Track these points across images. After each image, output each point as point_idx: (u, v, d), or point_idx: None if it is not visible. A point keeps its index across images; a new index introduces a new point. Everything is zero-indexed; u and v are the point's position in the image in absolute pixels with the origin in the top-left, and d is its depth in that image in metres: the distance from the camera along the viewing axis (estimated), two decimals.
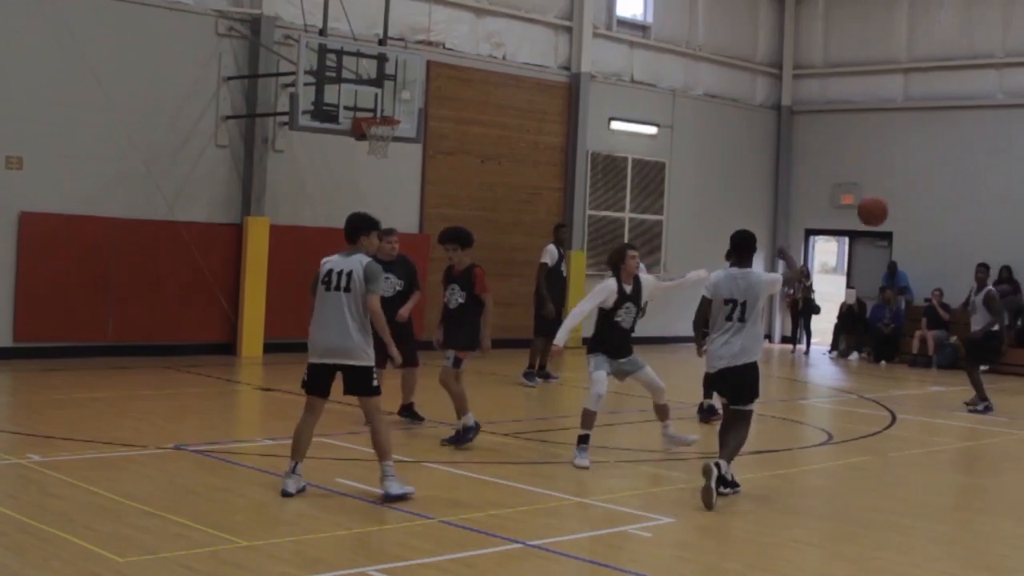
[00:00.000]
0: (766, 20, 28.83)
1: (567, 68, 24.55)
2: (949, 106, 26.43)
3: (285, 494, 9.39)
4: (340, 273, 9.43)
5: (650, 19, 26.39)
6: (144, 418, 13.10)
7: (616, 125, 25.57)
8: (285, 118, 18.77)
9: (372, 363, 9.45)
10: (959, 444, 14.72)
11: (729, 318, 10.42)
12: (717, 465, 9.84)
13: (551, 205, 24.34)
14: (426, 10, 21.97)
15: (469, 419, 12.17)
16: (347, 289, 9.38)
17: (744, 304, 10.40)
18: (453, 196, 22.61)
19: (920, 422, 16.31)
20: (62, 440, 11.32)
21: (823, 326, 27.72)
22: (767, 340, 29.00)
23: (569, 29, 24.51)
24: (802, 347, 26.80)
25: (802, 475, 12.20)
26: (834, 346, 26.73)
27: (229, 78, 19.55)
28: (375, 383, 9.50)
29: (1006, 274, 24.90)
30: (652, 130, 26.31)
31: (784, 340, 28.58)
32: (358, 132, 18.14)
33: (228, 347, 19.51)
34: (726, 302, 10.44)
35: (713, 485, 9.68)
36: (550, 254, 18.53)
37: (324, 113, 17.94)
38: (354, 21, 19.34)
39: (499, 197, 23.34)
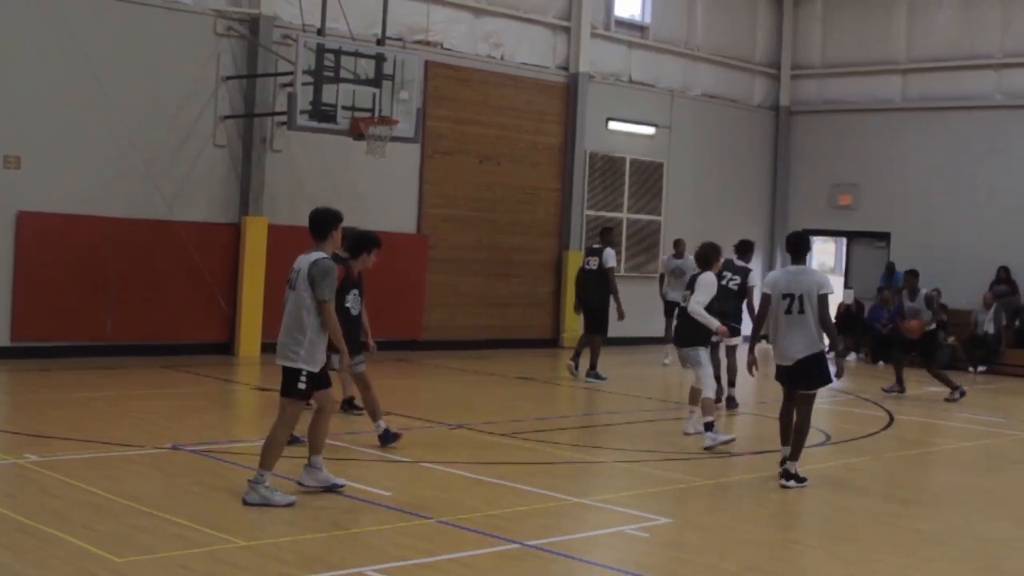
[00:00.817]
0: (764, 21, 28.84)
1: (565, 68, 24.55)
2: (947, 107, 26.44)
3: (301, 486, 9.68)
4: (294, 271, 9.47)
5: (648, 19, 26.40)
6: (142, 418, 13.09)
7: (614, 125, 25.57)
8: (283, 118, 18.76)
9: (299, 365, 9.32)
10: (956, 445, 14.73)
11: (789, 311, 11.22)
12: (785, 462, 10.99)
13: (549, 205, 24.35)
14: (424, 10, 21.97)
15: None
16: (292, 287, 9.44)
17: (802, 298, 11.12)
18: (451, 196, 22.61)
19: (918, 423, 16.32)
20: (60, 440, 11.32)
21: None
22: (765, 340, 28.97)
23: (567, 29, 24.51)
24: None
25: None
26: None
27: (227, 78, 19.55)
28: (300, 386, 9.36)
29: (1004, 274, 24.91)
30: (650, 130, 26.31)
31: None
32: (356, 132, 18.14)
33: (226, 347, 19.51)
34: (784, 296, 11.22)
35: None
36: (613, 258, 18.84)
37: (322, 113, 17.94)
38: (352, 21, 19.34)
39: (497, 197, 23.34)
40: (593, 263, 18.75)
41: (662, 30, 26.56)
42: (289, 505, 9.13)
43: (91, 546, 7.69)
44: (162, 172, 18.82)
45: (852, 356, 25.95)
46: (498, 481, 10.54)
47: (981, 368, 23.75)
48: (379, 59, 18.47)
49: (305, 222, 9.25)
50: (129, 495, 9.17)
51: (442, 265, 22.23)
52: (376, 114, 18.19)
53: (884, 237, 27.39)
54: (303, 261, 9.40)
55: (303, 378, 9.34)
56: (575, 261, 24.39)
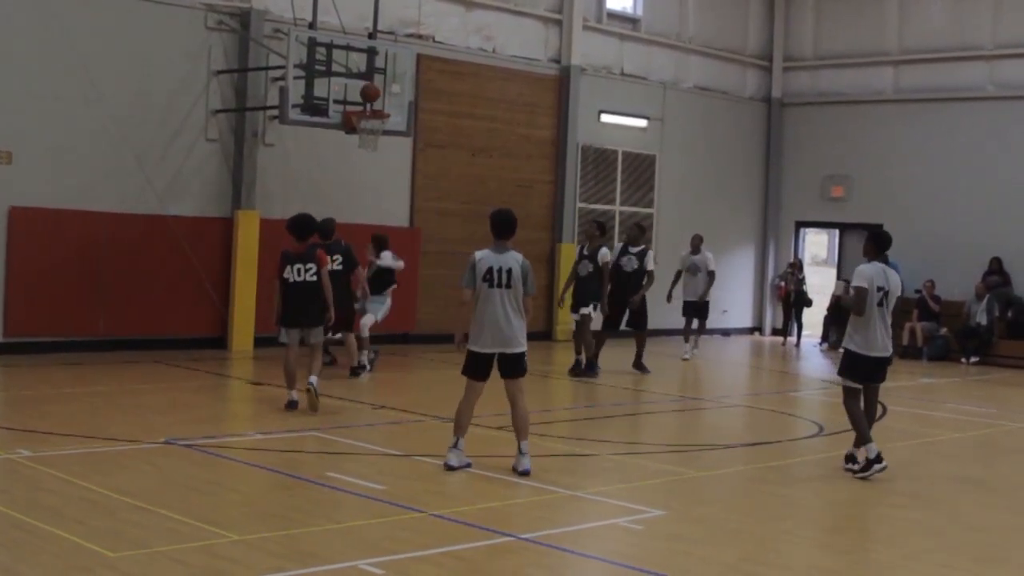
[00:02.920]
0: (756, 13, 28.82)
1: (557, 61, 24.53)
2: (939, 98, 26.44)
3: (448, 467, 10.47)
4: (500, 271, 10.58)
5: (640, 12, 26.37)
6: (135, 412, 13.08)
7: (606, 118, 25.55)
8: (275, 112, 18.70)
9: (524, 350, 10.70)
10: (950, 435, 14.75)
11: (880, 304, 11.54)
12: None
13: (542, 198, 24.33)
14: (416, 3, 21.92)
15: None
16: (508, 286, 10.58)
17: (888, 294, 11.59)
18: (444, 189, 22.59)
19: (911, 414, 16.34)
20: (53, 435, 11.30)
21: (814, 318, 27.75)
22: (757, 333, 29.06)
23: (559, 22, 24.48)
24: (793, 339, 26.82)
25: (793, 467, 12.21)
26: (825, 338, 26.75)
27: (219, 72, 19.50)
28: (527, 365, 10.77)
29: (996, 265, 24.95)
30: (642, 123, 26.30)
31: (775, 332, 28.60)
32: (348, 126, 18.08)
33: (219, 341, 19.48)
34: (879, 290, 11.54)
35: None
36: (652, 260, 19.50)
37: (314, 107, 17.90)
38: (344, 14, 19.30)
39: (490, 190, 23.30)
40: (632, 264, 19.11)
41: (654, 22, 26.54)
42: (467, 466, 10.49)
43: (85, 541, 7.68)
44: (154, 166, 18.78)
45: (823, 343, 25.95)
46: (491, 474, 10.54)
47: (974, 359, 23.79)
48: (371, 52, 18.43)
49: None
50: (123, 490, 9.16)
51: (435, 258, 22.20)
52: (368, 108, 18.14)
53: (876, 228, 27.37)
54: (507, 260, 10.62)
55: (526, 359, 10.78)
56: (567, 254, 24.37)
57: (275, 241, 19.07)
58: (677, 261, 22.48)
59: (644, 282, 19.19)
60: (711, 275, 21.86)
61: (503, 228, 10.75)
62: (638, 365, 19.32)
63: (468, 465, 10.56)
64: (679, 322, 22.64)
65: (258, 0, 19.58)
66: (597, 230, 18.90)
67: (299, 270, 13.77)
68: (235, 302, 19.42)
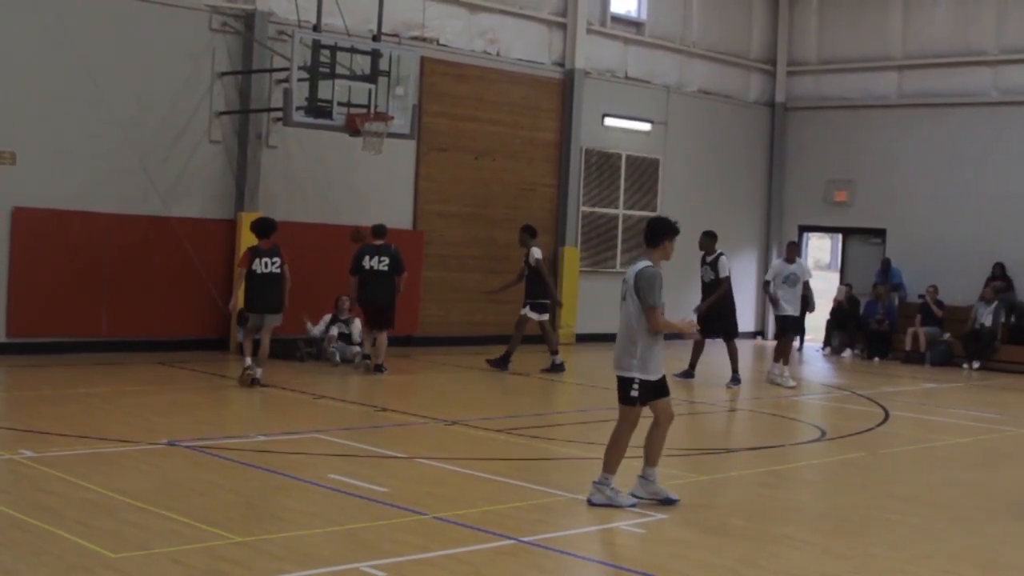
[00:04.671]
0: (760, 17, 28.82)
1: (561, 64, 24.53)
2: (943, 103, 26.43)
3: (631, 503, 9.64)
4: (625, 283, 9.71)
5: (644, 15, 26.38)
6: (137, 414, 13.08)
7: (610, 121, 25.56)
8: (279, 114, 18.71)
9: (632, 374, 9.56)
10: (952, 440, 14.73)
11: None
12: None
13: (545, 201, 24.33)
14: (420, 6, 21.94)
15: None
16: (623, 298, 9.69)
17: None
18: (447, 192, 22.59)
19: (913, 419, 16.33)
20: (55, 436, 11.30)
21: (817, 323, 27.72)
22: (760, 337, 29.04)
23: (563, 25, 24.49)
24: (796, 343, 26.77)
25: (795, 471, 12.21)
26: (827, 343, 26.74)
27: (223, 74, 19.52)
28: (632, 394, 9.59)
29: (999, 271, 24.92)
30: (646, 127, 26.30)
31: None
32: (352, 128, 18.10)
33: (221, 343, 19.48)
34: None
35: None
36: (727, 267, 18.95)
37: (318, 109, 17.91)
38: (348, 17, 19.31)
39: (493, 193, 23.33)
40: (708, 274, 18.94)
41: (658, 26, 26.54)
42: (632, 507, 9.42)
43: (86, 542, 7.68)
44: (157, 168, 18.79)
45: (847, 352, 25.95)
46: (494, 477, 10.54)
47: (976, 364, 23.75)
48: (375, 55, 18.45)
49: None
50: (124, 491, 9.16)
51: (438, 261, 22.22)
52: (372, 110, 18.15)
53: (880, 233, 27.39)
54: (630, 272, 9.68)
55: (636, 386, 9.53)
56: (571, 257, 24.42)
57: (278, 243, 19.14)
58: (770, 271, 20.37)
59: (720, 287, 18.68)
60: (807, 287, 19.77)
61: (645, 235, 9.89)
62: (733, 379, 18.68)
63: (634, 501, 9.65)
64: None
65: (262, 2, 19.60)
66: (527, 233, 19.20)
67: (266, 263, 15.97)
68: (237, 304, 19.40)
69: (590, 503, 9.47)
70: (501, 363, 18.91)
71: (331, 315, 19.07)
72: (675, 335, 10.08)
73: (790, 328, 19.58)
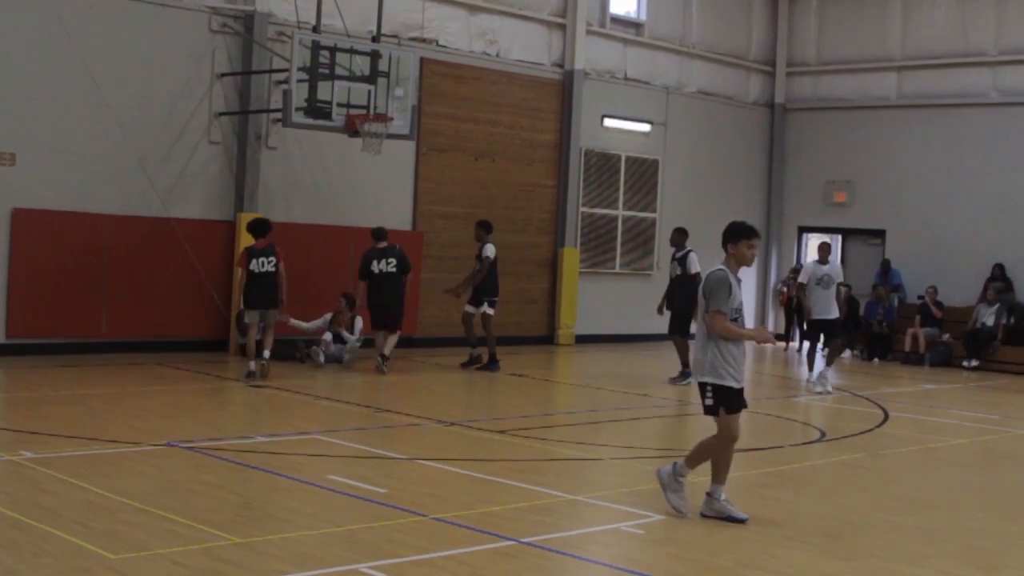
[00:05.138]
0: (759, 17, 28.83)
1: (560, 65, 24.54)
2: (943, 104, 26.45)
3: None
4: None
5: (644, 16, 26.39)
6: (137, 415, 13.09)
7: (609, 122, 25.57)
8: (278, 115, 18.73)
9: (704, 379, 9.27)
10: (952, 442, 14.74)
11: None
12: None
13: (544, 202, 24.34)
14: (419, 7, 21.95)
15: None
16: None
17: None
18: (446, 193, 22.60)
19: (913, 420, 16.33)
20: (55, 437, 11.31)
21: None
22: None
23: (563, 26, 24.50)
24: (795, 344, 26.80)
25: (794, 472, 12.21)
26: (826, 343, 26.68)
27: (222, 75, 19.53)
28: (707, 401, 9.31)
29: (998, 272, 24.93)
30: (645, 127, 26.32)
31: (778, 338, 28.57)
32: (351, 129, 18.12)
33: (221, 344, 19.48)
34: None
35: None
36: (696, 263, 18.75)
37: (317, 110, 17.93)
38: (347, 18, 19.32)
39: (492, 194, 23.33)
40: (675, 269, 18.90)
41: (657, 27, 26.55)
42: (742, 521, 9.16)
43: (85, 543, 7.69)
44: (157, 169, 18.80)
45: (847, 353, 25.95)
46: (493, 478, 10.54)
47: (973, 363, 23.73)
48: (374, 56, 18.45)
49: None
50: (124, 492, 9.17)
51: (437, 262, 22.22)
52: (371, 111, 18.16)
53: (879, 234, 27.41)
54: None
55: (709, 392, 9.24)
56: (570, 258, 24.42)
57: (277, 244, 19.16)
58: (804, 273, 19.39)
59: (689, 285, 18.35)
60: (844, 287, 19.07)
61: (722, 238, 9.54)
62: (682, 373, 18.57)
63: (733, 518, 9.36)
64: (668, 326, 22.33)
65: (262, 3, 19.60)
66: (483, 228, 19.26)
67: (262, 262, 16.74)
68: (237, 305, 19.42)
69: (702, 515, 9.28)
70: (491, 366, 18.93)
71: (332, 314, 19.02)
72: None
73: (820, 331, 19.36)
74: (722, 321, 9.10)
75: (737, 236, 9.37)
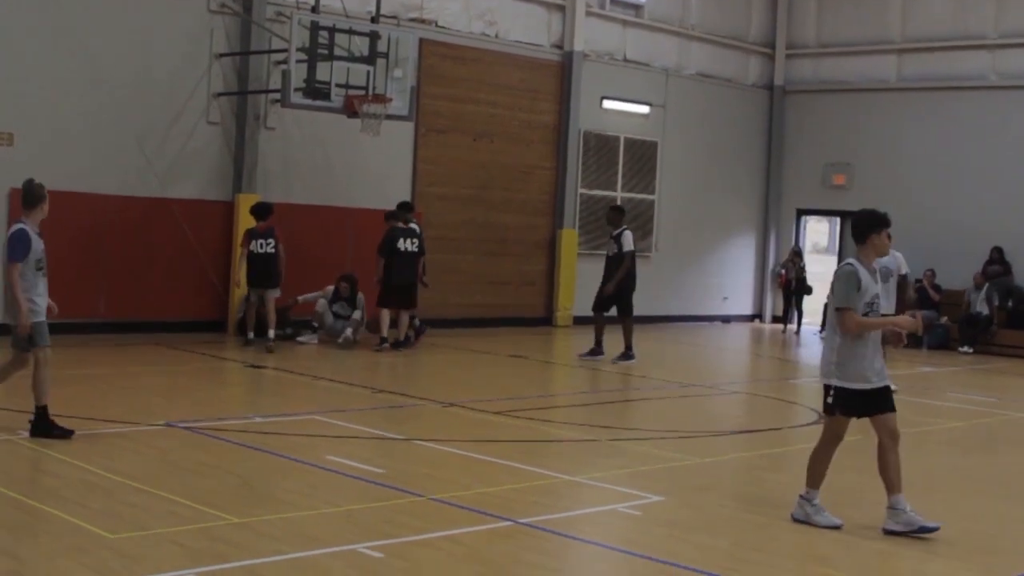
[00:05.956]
0: (759, 0, 28.76)
1: (560, 47, 24.49)
2: (942, 87, 26.41)
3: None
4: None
5: None
6: (135, 395, 13.10)
7: (608, 104, 25.53)
8: (277, 95, 18.66)
9: (830, 380, 8.80)
10: (949, 424, 14.76)
11: None
12: None
13: (543, 184, 24.32)
14: None
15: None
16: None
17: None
18: (445, 174, 22.58)
19: (910, 403, 16.33)
20: (54, 417, 11.30)
21: (814, 306, 27.75)
22: (758, 320, 29.07)
23: (562, 8, 24.44)
24: (793, 327, 26.84)
25: (791, 454, 12.21)
26: (824, 326, 26.70)
27: (221, 55, 19.49)
28: (828, 400, 8.87)
29: (997, 255, 24.93)
30: (644, 109, 26.28)
31: (775, 320, 28.61)
32: (350, 110, 18.09)
33: (219, 324, 19.49)
34: None
35: None
36: (631, 240, 18.70)
37: (316, 91, 17.88)
38: None
39: (491, 175, 23.31)
40: (611, 248, 18.80)
41: (657, 9, 26.49)
42: (835, 527, 8.68)
43: (84, 523, 7.70)
44: (155, 149, 18.77)
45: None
46: (491, 459, 10.55)
47: (967, 349, 23.74)
48: (373, 37, 18.40)
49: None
50: (123, 472, 9.18)
51: (436, 243, 22.17)
52: (370, 92, 18.12)
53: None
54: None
55: (831, 393, 8.81)
56: (569, 240, 24.41)
57: (276, 224, 19.16)
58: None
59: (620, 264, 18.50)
60: (905, 280, 17.60)
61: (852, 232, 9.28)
62: (622, 357, 18.45)
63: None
64: (666, 308, 22.18)
65: None
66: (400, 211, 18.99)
67: (261, 243, 17.69)
68: (235, 285, 19.42)
69: (793, 518, 8.87)
70: (405, 343, 18.68)
71: (334, 288, 19.01)
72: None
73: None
74: (853, 317, 8.67)
75: (879, 225, 9.11)
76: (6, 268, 10.28)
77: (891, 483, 8.72)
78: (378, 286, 18.46)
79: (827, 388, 8.85)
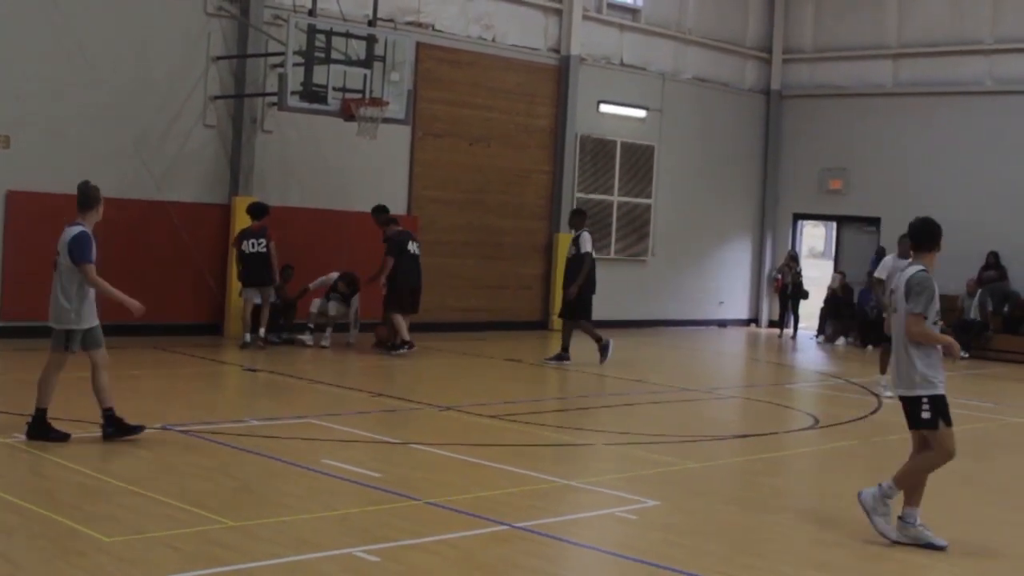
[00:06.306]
0: (756, 4, 28.79)
1: (557, 51, 24.50)
2: (938, 92, 26.44)
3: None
4: (895, 292, 8.77)
5: (640, 2, 26.35)
6: (131, 398, 13.07)
7: (605, 108, 25.54)
8: (274, 98, 18.71)
9: (916, 392, 8.54)
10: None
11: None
12: None
13: (540, 188, 24.32)
14: None
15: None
16: (896, 311, 8.75)
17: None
18: (442, 178, 22.58)
19: None
20: (49, 419, 11.29)
21: (810, 311, 27.79)
22: (754, 324, 29.08)
23: (559, 12, 24.46)
24: (789, 331, 26.86)
25: (788, 459, 12.24)
26: (821, 331, 26.78)
27: (218, 58, 19.48)
28: (923, 415, 8.51)
29: (992, 260, 24.95)
30: (641, 113, 26.29)
31: (772, 324, 28.63)
32: (347, 113, 18.09)
33: (215, 327, 19.48)
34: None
35: None
36: (589, 242, 18.56)
37: (313, 94, 17.89)
38: (343, 1, 19.27)
39: (488, 179, 23.32)
40: (570, 250, 18.73)
41: (654, 13, 26.51)
42: (942, 548, 8.38)
43: (79, 526, 7.69)
44: (151, 152, 18.76)
45: (841, 340, 26.00)
46: (487, 463, 10.55)
47: (963, 354, 23.74)
48: (370, 40, 18.41)
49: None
50: (119, 475, 9.18)
51: (432, 247, 22.16)
52: (367, 95, 18.13)
53: (874, 222, 27.40)
54: (899, 279, 8.81)
55: (926, 404, 8.49)
56: (565, 244, 24.38)
57: (272, 228, 19.14)
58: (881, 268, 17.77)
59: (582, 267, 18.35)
60: None
61: (911, 239, 9.17)
62: (601, 352, 18.44)
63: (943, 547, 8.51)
64: (663, 312, 22.15)
65: None
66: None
67: (253, 243, 18.08)
68: (232, 289, 19.41)
69: (893, 542, 8.52)
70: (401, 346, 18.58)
71: (336, 279, 19.18)
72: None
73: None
74: (922, 324, 8.53)
75: (940, 236, 9.08)
76: (73, 271, 10.42)
77: (908, 496, 8.63)
78: (383, 287, 18.48)
79: (916, 401, 8.52)
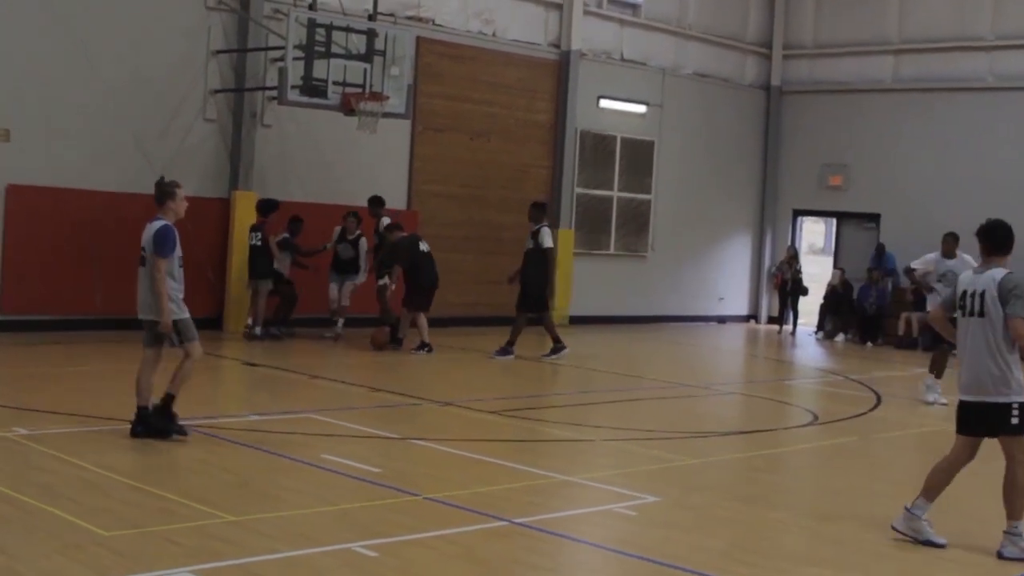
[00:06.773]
0: (756, 0, 28.76)
1: (557, 46, 24.48)
2: (939, 88, 26.42)
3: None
4: (973, 295, 8.36)
5: None
6: (130, 392, 13.04)
7: (605, 103, 25.52)
8: (274, 92, 18.69)
9: (1010, 399, 8.24)
10: (944, 426, 14.70)
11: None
12: None
13: (539, 183, 24.31)
14: None
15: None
16: (980, 314, 8.31)
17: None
18: (442, 173, 22.56)
19: (905, 403, 16.35)
20: (48, 413, 11.30)
21: (810, 307, 27.78)
22: (753, 321, 29.09)
23: (560, 6, 24.43)
24: (789, 327, 26.85)
25: (787, 455, 12.23)
26: (820, 327, 26.78)
27: (218, 52, 19.47)
28: (1013, 420, 8.27)
29: None
30: (641, 109, 26.27)
31: (771, 320, 28.63)
32: (347, 108, 18.08)
33: (215, 322, 19.46)
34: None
35: None
36: (550, 237, 18.60)
37: (313, 88, 17.87)
38: None
39: (488, 174, 23.30)
40: (528, 243, 18.65)
41: (654, 8, 26.48)
42: (942, 547, 8.36)
43: (78, 519, 7.69)
44: (151, 146, 18.74)
45: (840, 337, 26.00)
46: (486, 458, 10.55)
47: (954, 352, 23.72)
48: (370, 34, 18.39)
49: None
50: (117, 469, 9.17)
51: (432, 241, 22.02)
52: (367, 90, 18.11)
53: (874, 218, 27.41)
54: (981, 281, 8.41)
55: (1016, 410, 8.22)
56: (565, 240, 24.40)
57: (272, 222, 19.13)
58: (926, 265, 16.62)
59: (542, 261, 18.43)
60: None
61: (984, 241, 8.77)
62: (554, 349, 18.47)
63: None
64: (662, 308, 22.21)
65: None
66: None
67: (252, 237, 18.64)
68: (231, 283, 19.42)
69: (1000, 556, 8.35)
70: (396, 342, 18.67)
71: (339, 229, 19.44)
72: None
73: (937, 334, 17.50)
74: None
75: (1013, 241, 8.69)
76: (152, 265, 10.31)
77: (930, 489, 8.59)
78: (390, 289, 18.72)
79: (1005, 408, 8.26)
